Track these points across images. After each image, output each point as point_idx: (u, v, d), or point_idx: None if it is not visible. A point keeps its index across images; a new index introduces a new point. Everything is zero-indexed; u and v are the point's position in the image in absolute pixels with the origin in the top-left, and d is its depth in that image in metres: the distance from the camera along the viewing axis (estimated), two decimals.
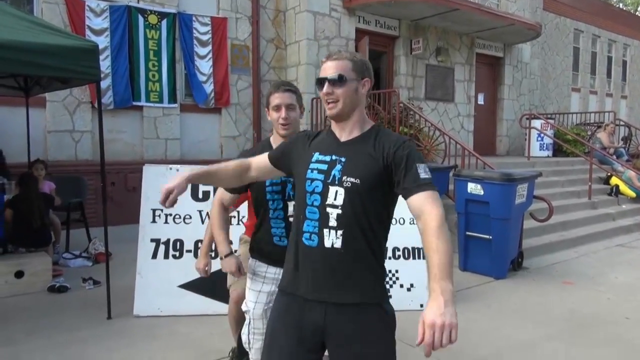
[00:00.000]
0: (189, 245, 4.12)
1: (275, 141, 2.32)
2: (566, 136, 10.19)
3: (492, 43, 11.42)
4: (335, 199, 1.67)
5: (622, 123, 12.27)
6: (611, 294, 4.83)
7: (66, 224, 5.76)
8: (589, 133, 11.38)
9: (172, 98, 7.77)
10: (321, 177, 1.71)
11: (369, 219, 1.67)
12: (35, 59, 3.44)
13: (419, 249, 4.39)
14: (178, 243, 4.12)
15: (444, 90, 10.57)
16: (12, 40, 3.33)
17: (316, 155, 1.76)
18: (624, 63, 17.71)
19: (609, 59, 16.98)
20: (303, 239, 1.71)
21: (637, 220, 8.06)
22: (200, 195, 4.23)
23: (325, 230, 1.67)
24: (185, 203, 4.17)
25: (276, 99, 2.25)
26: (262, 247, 2.25)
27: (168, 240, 4.10)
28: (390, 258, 4.33)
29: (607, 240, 7.27)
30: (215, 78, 8.11)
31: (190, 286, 4.04)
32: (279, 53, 8.92)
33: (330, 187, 1.68)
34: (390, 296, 4.29)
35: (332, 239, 1.67)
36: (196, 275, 4.04)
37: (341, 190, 1.67)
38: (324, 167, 1.72)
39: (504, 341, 3.68)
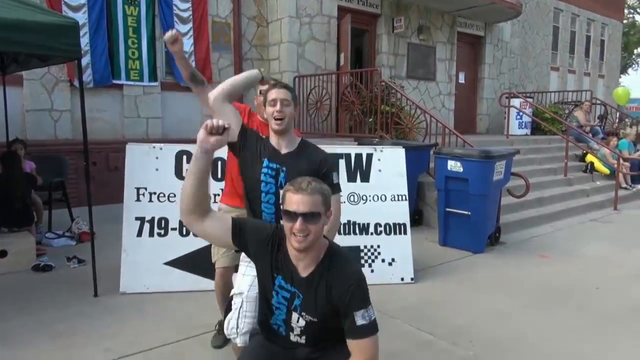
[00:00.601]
0: (174, 223, 4.16)
1: (272, 141, 2.34)
2: (544, 115, 10.38)
3: (473, 22, 11.48)
4: (297, 322, 1.89)
5: (598, 102, 12.50)
6: (583, 266, 5.04)
7: (48, 203, 5.73)
8: (567, 112, 11.58)
9: (153, 76, 7.69)
10: (285, 303, 1.88)
11: (328, 334, 1.90)
12: (13, 36, 3.39)
13: (399, 225, 4.51)
14: (163, 221, 4.15)
15: (425, 69, 10.63)
16: None
17: (279, 280, 1.88)
18: (602, 42, 17.95)
19: (588, 38, 17.20)
20: (273, 327, 1.95)
21: (610, 196, 8.31)
22: (184, 174, 4.23)
23: (291, 334, 1.92)
24: (169, 181, 4.19)
25: (273, 94, 2.31)
26: None
27: (153, 218, 4.13)
28: (372, 234, 4.45)
29: (582, 215, 7.51)
30: (197, 56, 8.04)
31: (176, 263, 4.09)
32: (260, 31, 8.85)
33: (293, 312, 1.88)
34: (373, 270, 4.43)
35: (297, 339, 1.92)
36: (182, 252, 4.15)
37: (302, 320, 1.87)
38: (287, 295, 1.87)
39: (480, 311, 3.84)
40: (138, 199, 4.13)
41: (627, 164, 9.17)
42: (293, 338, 1.92)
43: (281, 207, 1.83)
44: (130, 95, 7.57)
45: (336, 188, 2.24)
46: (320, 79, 8.27)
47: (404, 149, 4.73)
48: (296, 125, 8.24)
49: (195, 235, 4.09)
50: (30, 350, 3.05)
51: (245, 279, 2.26)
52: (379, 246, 4.44)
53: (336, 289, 1.80)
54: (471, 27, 11.54)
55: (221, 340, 3.12)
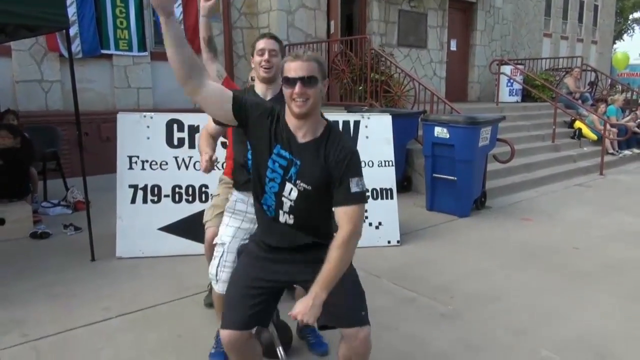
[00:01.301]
0: (166, 190, 4.28)
1: (258, 89, 2.45)
2: (535, 82, 10.43)
3: None
4: (289, 194, 1.92)
5: (589, 68, 12.53)
6: (564, 228, 5.23)
7: (42, 174, 5.82)
8: (557, 78, 11.63)
9: (142, 46, 7.66)
10: (280, 172, 1.91)
11: (316, 211, 1.95)
12: (2, 6, 3.42)
13: (386, 190, 4.65)
14: (156, 188, 4.27)
15: (416, 36, 10.59)
16: None
17: (277, 148, 1.91)
18: (595, 8, 17.83)
19: (581, 3, 17.07)
20: (263, 207, 1.99)
21: (596, 161, 8.47)
22: (176, 142, 4.34)
23: (280, 211, 1.96)
24: (161, 150, 4.29)
25: (261, 44, 2.40)
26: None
27: (146, 185, 4.24)
28: None
29: (567, 180, 7.69)
30: (186, 24, 7.98)
31: (170, 229, 4.23)
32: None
33: (287, 183, 1.91)
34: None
35: (285, 219, 1.96)
36: (175, 218, 4.28)
37: (295, 190, 1.91)
38: (284, 163, 1.91)
39: (462, 270, 4.02)
40: (131, 167, 4.23)
41: (615, 130, 9.30)
42: (282, 218, 1.95)
43: (281, 76, 1.89)
44: (120, 66, 7.56)
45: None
46: (310, 47, 8.26)
47: (390, 116, 4.82)
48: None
49: (190, 198, 4.25)
50: (30, 311, 3.21)
51: (228, 229, 2.42)
52: (366, 210, 4.56)
53: (333, 157, 1.87)
54: None
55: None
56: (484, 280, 3.82)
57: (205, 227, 2.93)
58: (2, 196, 4.96)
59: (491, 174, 6.68)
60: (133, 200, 4.21)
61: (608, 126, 9.19)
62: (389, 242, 4.57)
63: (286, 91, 1.85)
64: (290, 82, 1.84)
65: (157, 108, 7.66)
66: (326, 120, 1.98)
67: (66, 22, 3.74)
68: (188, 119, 4.37)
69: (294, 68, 1.84)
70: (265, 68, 2.37)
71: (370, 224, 4.56)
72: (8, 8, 3.43)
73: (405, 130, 6.25)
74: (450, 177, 5.43)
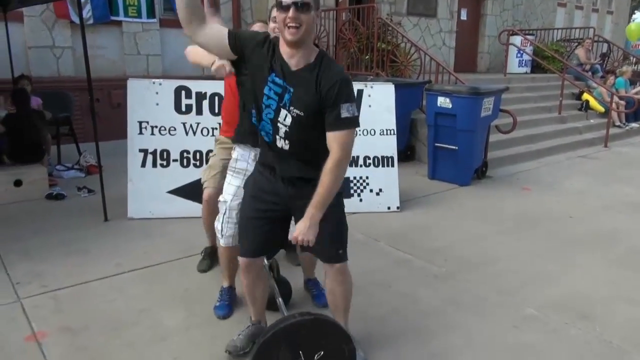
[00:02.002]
0: (175, 155, 4.44)
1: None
2: (544, 53, 10.35)
3: None
4: (284, 119, 2.02)
5: (601, 39, 12.35)
6: (562, 198, 5.35)
7: (56, 138, 6.01)
8: (569, 50, 11.50)
9: (151, 13, 7.72)
10: (275, 98, 2.00)
11: (309, 137, 2.03)
12: None
13: (387, 157, 4.77)
14: (165, 153, 4.43)
15: (426, 5, 10.51)
16: None
17: (272, 76, 1.98)
18: None
19: None
20: (262, 133, 2.11)
21: (602, 133, 8.48)
22: (184, 109, 4.47)
23: (277, 137, 2.06)
24: (170, 116, 4.43)
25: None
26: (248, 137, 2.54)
27: (155, 150, 4.41)
28: (361, 166, 4.73)
29: (571, 152, 7.75)
30: None
31: (178, 191, 4.41)
32: None
33: (281, 109, 2.00)
34: (361, 200, 4.75)
35: (282, 144, 2.06)
36: (183, 182, 4.46)
37: (289, 116, 2.00)
38: (279, 90, 1.98)
39: (457, 235, 4.18)
40: (141, 132, 4.39)
41: (622, 102, 9.27)
42: (279, 143, 2.05)
43: (275, 2, 1.94)
44: (130, 32, 7.64)
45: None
46: (318, 15, 8.24)
47: (393, 86, 4.90)
48: None
49: (197, 163, 4.41)
50: (48, 265, 3.43)
51: (230, 187, 2.59)
52: (367, 177, 4.73)
53: (325, 83, 1.93)
54: None
55: (206, 265, 3.44)
56: (477, 245, 3.98)
57: (203, 187, 3.10)
58: (17, 160, 5.16)
59: (495, 144, 6.77)
60: (143, 164, 4.38)
61: (616, 98, 9.17)
62: (389, 208, 4.72)
63: (280, 16, 1.89)
64: (283, 7, 1.87)
65: (166, 74, 7.77)
66: (318, 47, 2.07)
67: None
68: (196, 86, 4.50)
69: None
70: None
71: (371, 190, 4.72)
72: None
73: (409, 100, 6.33)
74: (451, 147, 5.54)
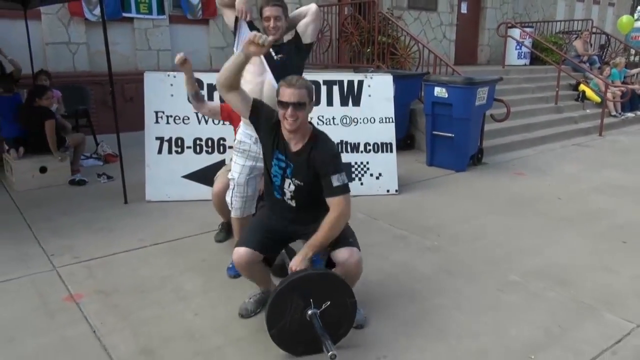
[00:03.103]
0: (188, 142, 4.79)
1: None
2: (543, 45, 10.59)
3: None
4: (289, 187, 2.52)
5: (598, 31, 12.57)
6: (553, 182, 5.65)
7: (75, 129, 6.36)
8: (567, 41, 11.73)
9: (161, 9, 8.03)
10: (280, 171, 2.51)
11: (310, 198, 2.51)
12: None
13: (386, 144, 5.09)
14: (179, 141, 4.78)
15: None
16: None
17: (277, 153, 2.49)
18: None
19: None
20: (274, 192, 2.60)
21: (597, 123, 8.75)
22: None
23: (285, 197, 2.56)
24: (183, 106, 4.76)
25: (266, 11, 2.85)
26: None
27: (170, 138, 4.75)
28: (362, 152, 5.05)
29: (566, 140, 8.03)
30: None
31: (192, 176, 4.76)
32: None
33: (285, 179, 2.51)
34: (362, 183, 5.08)
35: (289, 202, 2.56)
36: (196, 167, 4.80)
37: (292, 184, 2.50)
38: (282, 165, 2.49)
39: (451, 215, 4.50)
40: (157, 121, 4.74)
41: (618, 92, 9.52)
42: (287, 201, 2.55)
43: (277, 98, 2.40)
44: (141, 28, 7.97)
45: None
46: (321, 10, 8.53)
47: (391, 77, 5.22)
48: None
49: (209, 150, 4.73)
50: (77, 240, 3.79)
51: (236, 166, 3.00)
52: (368, 162, 5.05)
53: (318, 159, 2.41)
54: None
55: (222, 236, 3.86)
56: (469, 223, 4.31)
57: (215, 180, 3.51)
58: (41, 150, 5.48)
59: (492, 133, 7.07)
60: (159, 151, 4.73)
61: (612, 89, 9.43)
62: (387, 191, 5.05)
63: (280, 111, 2.36)
64: (284, 105, 2.34)
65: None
66: (312, 125, 2.51)
67: None
68: (208, 78, 4.83)
69: (287, 94, 2.33)
70: (272, 33, 2.80)
71: (372, 175, 5.05)
72: None
73: (409, 91, 6.64)
74: (448, 134, 5.85)
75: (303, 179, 2.47)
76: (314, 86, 2.52)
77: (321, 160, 2.41)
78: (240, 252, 2.49)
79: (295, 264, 2.38)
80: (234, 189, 3.01)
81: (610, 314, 2.86)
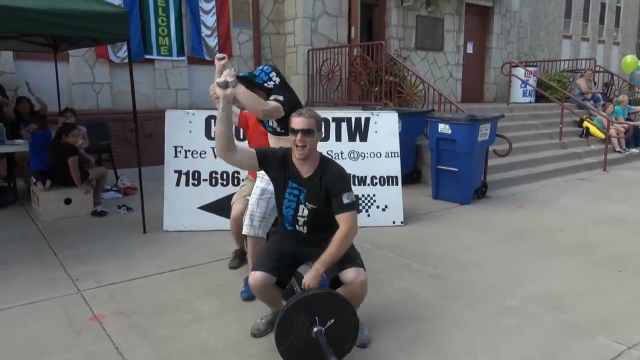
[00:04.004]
0: (205, 175, 5.08)
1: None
2: (546, 83, 10.91)
3: None
4: (302, 212, 2.75)
5: (601, 69, 12.89)
6: (554, 214, 5.82)
7: (97, 163, 6.72)
8: (571, 79, 12.05)
9: (181, 51, 8.54)
10: (294, 199, 2.75)
11: (321, 222, 2.73)
12: (77, 23, 4.26)
13: (392, 177, 5.34)
14: (196, 174, 5.07)
15: (433, 39, 11.21)
16: (61, 8, 4.15)
17: (290, 182, 2.73)
18: (618, 9, 18.02)
19: (602, 5, 17.30)
20: (285, 224, 2.84)
21: (601, 158, 8.93)
22: (213, 135, 5.12)
23: (297, 226, 2.79)
24: (201, 141, 5.09)
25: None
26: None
27: (188, 171, 5.05)
28: (368, 185, 5.30)
29: (570, 175, 8.20)
30: (219, 32, 8.85)
31: (208, 207, 5.03)
32: (277, 7, 9.57)
33: (299, 205, 2.74)
34: (369, 215, 5.30)
35: (300, 229, 2.79)
36: (212, 199, 5.08)
37: (305, 209, 2.73)
38: (296, 192, 2.73)
39: (453, 245, 4.69)
40: (176, 156, 5.05)
41: (621, 128, 9.74)
42: (298, 229, 2.78)
43: (289, 127, 2.67)
44: (161, 69, 8.46)
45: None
46: (332, 51, 8.99)
47: (397, 114, 5.52)
48: (310, 95, 9.02)
49: (224, 182, 5.00)
50: (99, 266, 4.04)
51: (254, 196, 3.31)
52: (374, 195, 5.29)
53: (329, 180, 2.66)
54: None
55: (236, 262, 4.09)
56: (470, 253, 4.49)
57: (232, 207, 3.76)
58: (66, 183, 5.80)
59: (496, 167, 7.30)
60: (177, 183, 5.02)
61: (617, 125, 9.67)
62: (393, 222, 5.26)
63: (291, 138, 2.65)
64: (294, 131, 2.62)
65: (193, 107, 8.52)
66: (319, 153, 2.77)
67: (128, 36, 4.58)
68: None
69: (297, 122, 2.62)
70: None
71: (378, 207, 5.28)
72: (84, 25, 4.27)
73: (415, 127, 6.94)
74: (452, 168, 6.09)
75: (316, 201, 2.69)
76: (322, 121, 2.80)
77: (332, 180, 2.66)
78: (256, 276, 2.71)
79: (309, 279, 2.59)
80: (248, 209, 3.31)
81: (603, 337, 3.01)
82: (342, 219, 2.64)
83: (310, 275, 2.59)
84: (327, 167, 2.73)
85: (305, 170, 2.72)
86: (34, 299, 3.43)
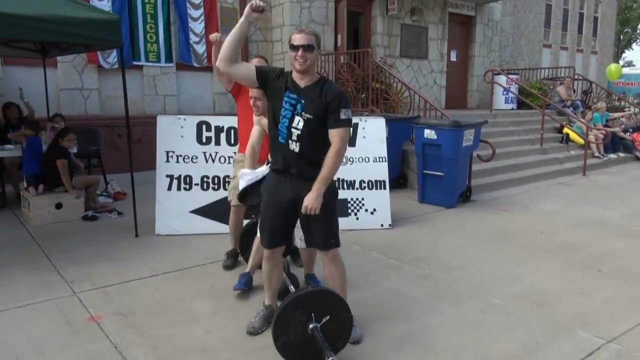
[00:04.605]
0: (196, 180, 5.15)
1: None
2: (527, 91, 11.22)
3: (464, 2, 12.21)
4: (297, 124, 2.71)
5: (580, 77, 13.28)
6: (536, 217, 6.02)
7: (87, 168, 6.74)
8: (551, 87, 12.39)
9: (169, 58, 8.61)
10: (290, 108, 2.72)
11: (316, 138, 2.71)
12: (70, 30, 4.32)
13: (379, 181, 5.47)
14: (188, 178, 5.14)
15: (418, 48, 11.44)
16: (54, 14, 4.20)
17: (287, 92, 2.71)
18: (595, 19, 18.54)
19: (581, 15, 17.79)
20: (278, 138, 2.77)
21: (581, 163, 9.21)
22: (204, 140, 5.21)
23: (290, 141, 2.73)
24: (192, 146, 5.16)
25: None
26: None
27: (180, 175, 5.12)
28: (357, 189, 5.43)
29: (551, 179, 8.44)
30: (207, 39, 8.91)
31: (199, 211, 5.10)
32: (264, 15, 9.68)
33: (295, 116, 2.71)
34: (358, 218, 5.41)
35: (293, 146, 2.73)
36: (203, 203, 5.15)
37: (301, 121, 2.70)
38: (293, 102, 2.71)
39: (439, 247, 4.83)
40: (167, 160, 5.12)
41: (600, 135, 10.05)
42: (290, 146, 2.70)
43: (289, 44, 2.68)
44: (149, 75, 8.51)
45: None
46: (319, 59, 9.14)
47: (384, 120, 5.66)
48: None
49: (215, 187, 5.08)
50: (94, 268, 4.08)
51: (239, 174, 3.31)
52: (363, 199, 5.42)
53: (329, 94, 2.67)
54: (462, 8, 12.27)
55: (230, 262, 4.17)
56: (457, 254, 4.63)
57: (231, 205, 3.84)
58: (57, 186, 5.82)
59: (480, 172, 7.49)
60: (169, 188, 5.09)
61: (595, 131, 9.97)
62: (381, 225, 5.39)
63: (292, 54, 2.66)
64: (295, 47, 2.65)
65: (180, 112, 8.58)
66: (319, 74, 2.80)
67: (121, 43, 4.65)
68: (214, 121, 5.26)
69: (298, 38, 2.65)
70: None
71: (366, 210, 5.40)
72: (77, 32, 4.34)
73: (401, 133, 7.10)
74: (437, 173, 6.25)
75: (313, 111, 2.66)
76: (319, 35, 2.81)
77: (333, 95, 2.67)
78: (266, 252, 2.96)
79: (310, 201, 2.61)
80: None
81: (583, 332, 3.16)
82: (336, 134, 2.65)
83: (312, 196, 2.62)
84: (329, 83, 2.77)
85: (304, 82, 2.72)
86: (30, 301, 3.47)
